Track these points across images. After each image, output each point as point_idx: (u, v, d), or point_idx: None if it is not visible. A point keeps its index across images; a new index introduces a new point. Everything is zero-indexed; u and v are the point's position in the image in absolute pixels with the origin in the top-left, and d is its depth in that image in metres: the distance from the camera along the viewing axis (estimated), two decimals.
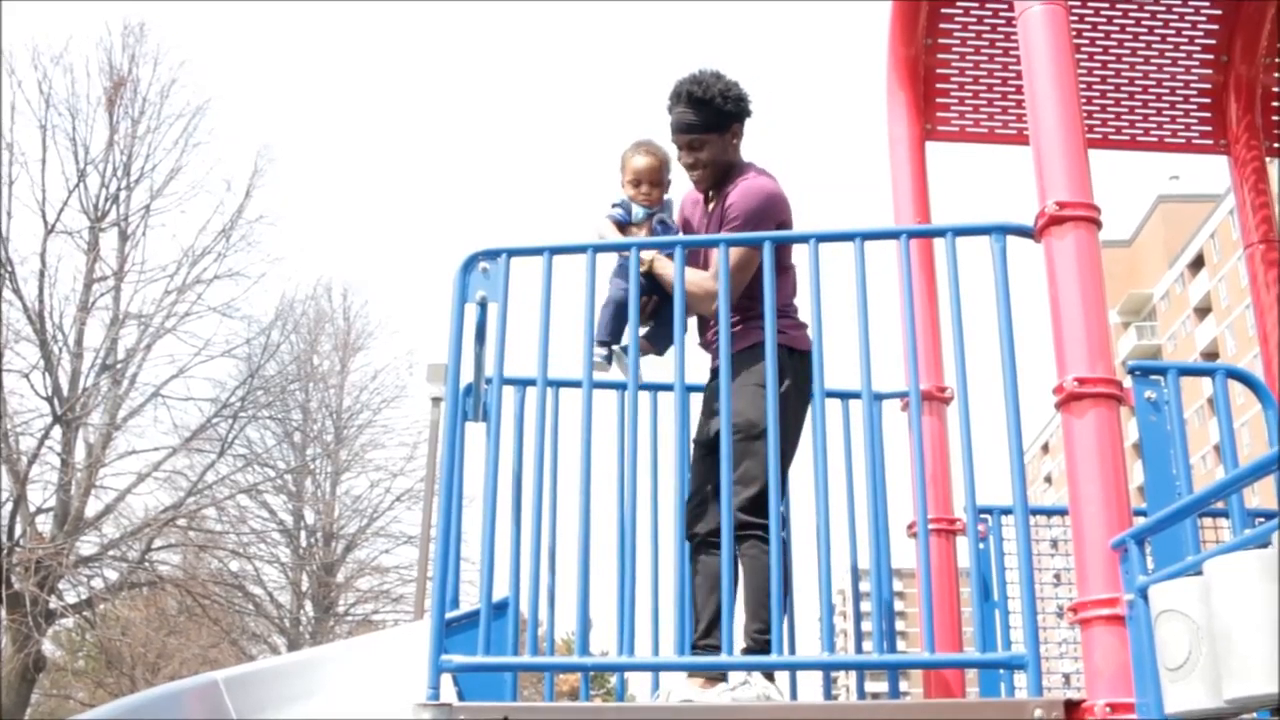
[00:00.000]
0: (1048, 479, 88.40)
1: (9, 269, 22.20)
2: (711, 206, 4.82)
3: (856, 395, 4.47)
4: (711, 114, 4.66)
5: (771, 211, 4.56)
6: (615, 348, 4.71)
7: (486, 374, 4.41)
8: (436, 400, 23.88)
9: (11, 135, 23.09)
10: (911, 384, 3.92)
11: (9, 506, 21.71)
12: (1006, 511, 4.95)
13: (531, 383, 4.64)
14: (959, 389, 3.77)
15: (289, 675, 4.34)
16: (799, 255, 4.68)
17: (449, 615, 3.98)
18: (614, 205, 4.87)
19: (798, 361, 4.47)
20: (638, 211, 4.83)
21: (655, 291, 4.71)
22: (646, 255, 4.61)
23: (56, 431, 22.44)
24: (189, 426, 24.59)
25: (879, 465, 4.46)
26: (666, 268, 4.58)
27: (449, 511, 3.86)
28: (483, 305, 4.02)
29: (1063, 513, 5.16)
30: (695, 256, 4.74)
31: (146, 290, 24.57)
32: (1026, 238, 3.72)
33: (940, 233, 3.85)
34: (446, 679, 3.78)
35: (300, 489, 31.08)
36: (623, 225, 4.81)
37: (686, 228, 4.99)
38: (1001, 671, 4.67)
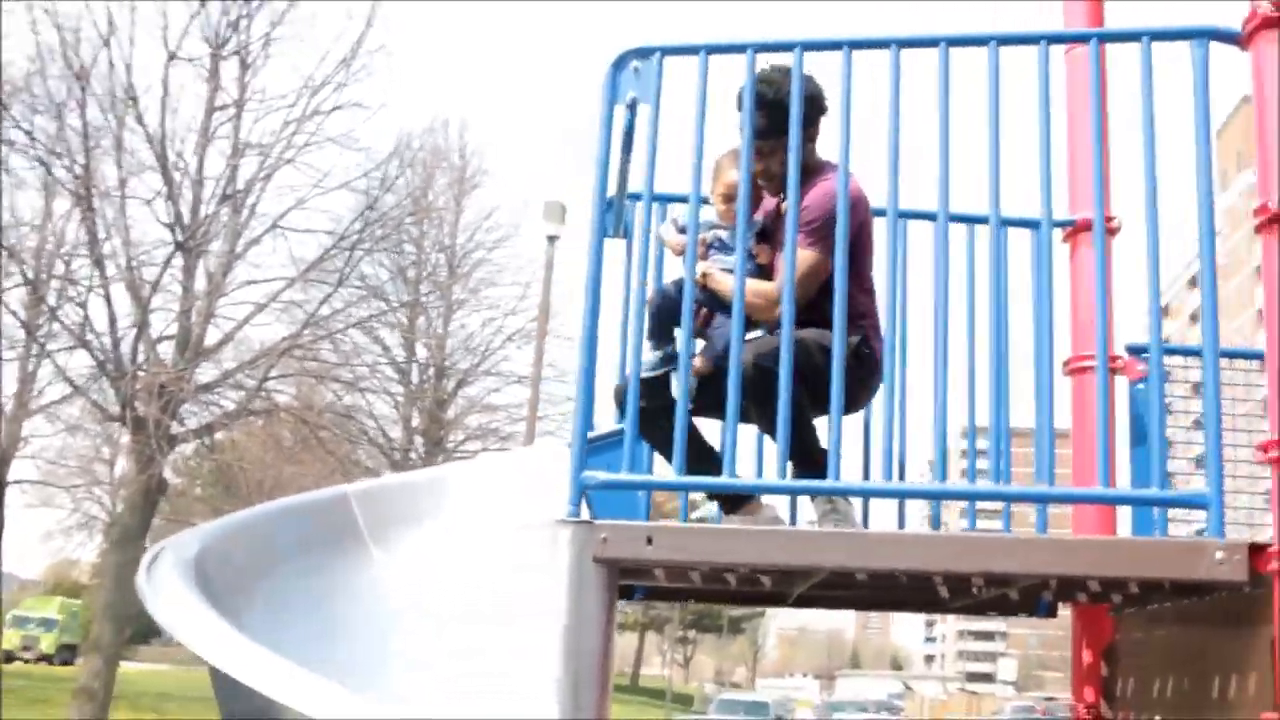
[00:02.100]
0: (1193, 317, 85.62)
1: (132, 96, 22.30)
2: (784, 208, 4.43)
3: (1027, 224, 4.23)
4: (785, 116, 4.00)
5: (849, 211, 3.99)
6: (668, 349, 4.43)
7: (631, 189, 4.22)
8: (552, 239, 23.82)
9: None
10: (1097, 211, 3.65)
11: (132, 332, 22.14)
12: (1171, 351, 4.66)
13: (682, 199, 4.42)
14: (1148, 214, 3.47)
15: (418, 490, 4.28)
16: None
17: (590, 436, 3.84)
18: (672, 220, 4.67)
19: (869, 368, 4.34)
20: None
21: (711, 305, 4.47)
22: (701, 266, 4.31)
23: (178, 260, 22.72)
24: (306, 259, 24.76)
25: (1046, 298, 4.22)
26: (720, 282, 4.36)
27: (592, 325, 3.68)
28: (632, 108, 3.79)
29: (1251, 356, 4.82)
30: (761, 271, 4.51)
31: (266, 121, 24.51)
32: (1231, 44, 3.39)
33: (1134, 36, 3.50)
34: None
35: (413, 325, 31.35)
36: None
37: (762, 235, 4.62)
38: (1155, 514, 4.46)
